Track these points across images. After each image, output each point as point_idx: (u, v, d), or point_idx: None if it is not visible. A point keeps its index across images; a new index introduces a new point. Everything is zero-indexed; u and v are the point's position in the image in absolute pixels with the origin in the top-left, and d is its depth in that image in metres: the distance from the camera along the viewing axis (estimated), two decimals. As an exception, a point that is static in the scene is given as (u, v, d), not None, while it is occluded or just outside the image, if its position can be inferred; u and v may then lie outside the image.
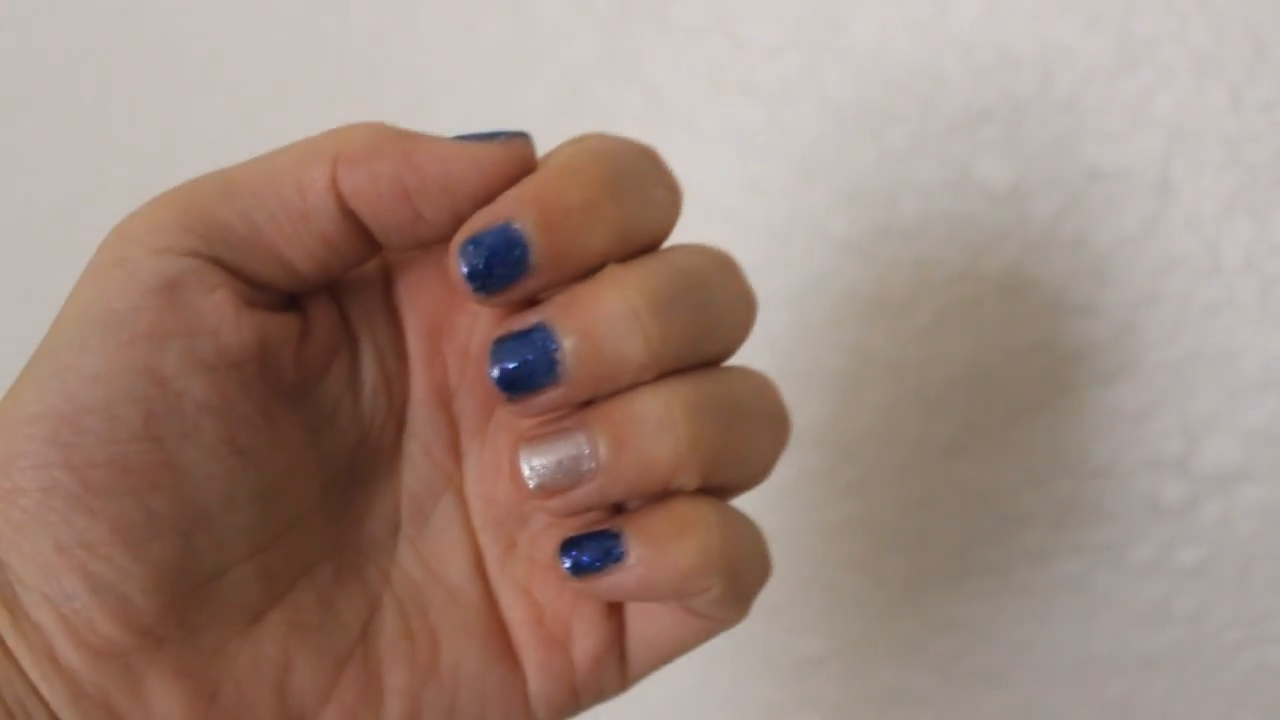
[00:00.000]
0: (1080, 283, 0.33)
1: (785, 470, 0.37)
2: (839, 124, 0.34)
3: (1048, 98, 0.32)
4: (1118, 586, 0.35)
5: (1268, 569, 0.34)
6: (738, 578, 0.20)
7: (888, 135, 0.34)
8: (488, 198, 0.20)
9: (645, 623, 0.22)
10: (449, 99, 0.38)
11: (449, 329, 0.22)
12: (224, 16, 0.41)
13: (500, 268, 0.19)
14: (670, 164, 0.21)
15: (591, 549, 0.20)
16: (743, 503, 0.22)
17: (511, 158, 0.20)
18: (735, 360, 0.22)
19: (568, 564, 0.21)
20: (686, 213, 0.22)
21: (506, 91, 0.37)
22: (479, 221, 0.19)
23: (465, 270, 0.19)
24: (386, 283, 0.22)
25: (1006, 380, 0.34)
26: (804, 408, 0.36)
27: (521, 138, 0.20)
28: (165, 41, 0.43)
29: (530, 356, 0.19)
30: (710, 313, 0.20)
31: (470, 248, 0.19)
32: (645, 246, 0.20)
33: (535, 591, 0.22)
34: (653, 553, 0.20)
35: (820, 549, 0.37)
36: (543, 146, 0.21)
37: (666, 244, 0.21)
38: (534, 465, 0.20)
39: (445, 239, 0.20)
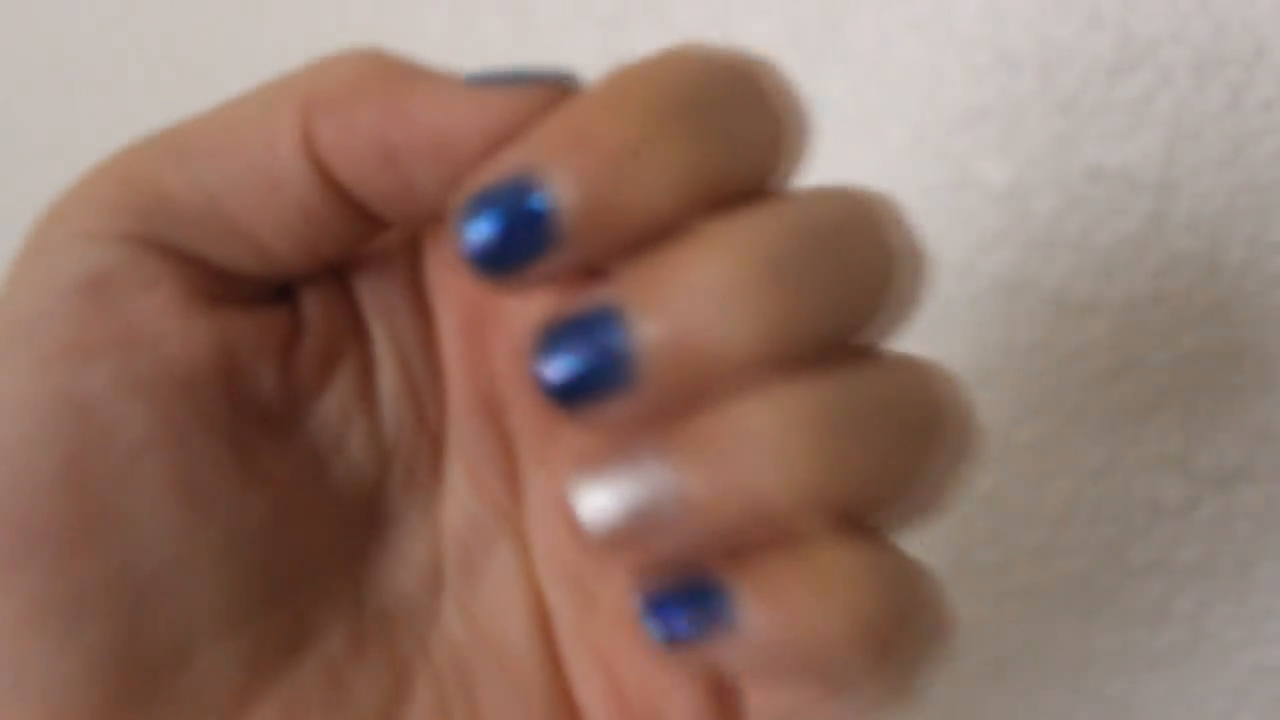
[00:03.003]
0: (1080, 282, 0.33)
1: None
2: (839, 124, 0.34)
3: (1048, 98, 0.32)
4: (1118, 586, 0.35)
5: (1268, 569, 0.34)
6: (893, 648, 0.14)
7: (888, 135, 0.34)
8: None
9: (765, 707, 0.16)
10: (449, 99, 0.38)
11: (495, 316, 0.17)
12: (223, 16, 0.41)
13: (516, 240, 0.13)
14: (790, 79, 0.15)
15: (689, 610, 0.14)
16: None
17: (536, 109, 0.14)
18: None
19: (656, 630, 0.14)
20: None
21: (506, 91, 0.37)
22: (487, 173, 0.14)
23: (468, 244, 0.14)
24: (412, 257, 0.17)
25: (1006, 380, 0.34)
26: (804, 408, 0.36)
27: (561, 80, 0.15)
28: (163, 41, 0.43)
29: (593, 353, 0.14)
30: (850, 284, 0.14)
31: (474, 210, 0.14)
32: (738, 197, 0.14)
33: (618, 663, 0.16)
34: (777, 615, 0.14)
35: (820, 549, 0.37)
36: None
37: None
38: (595, 506, 0.14)
39: (445, 217, 0.15)
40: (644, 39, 0.36)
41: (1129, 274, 0.32)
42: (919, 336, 0.34)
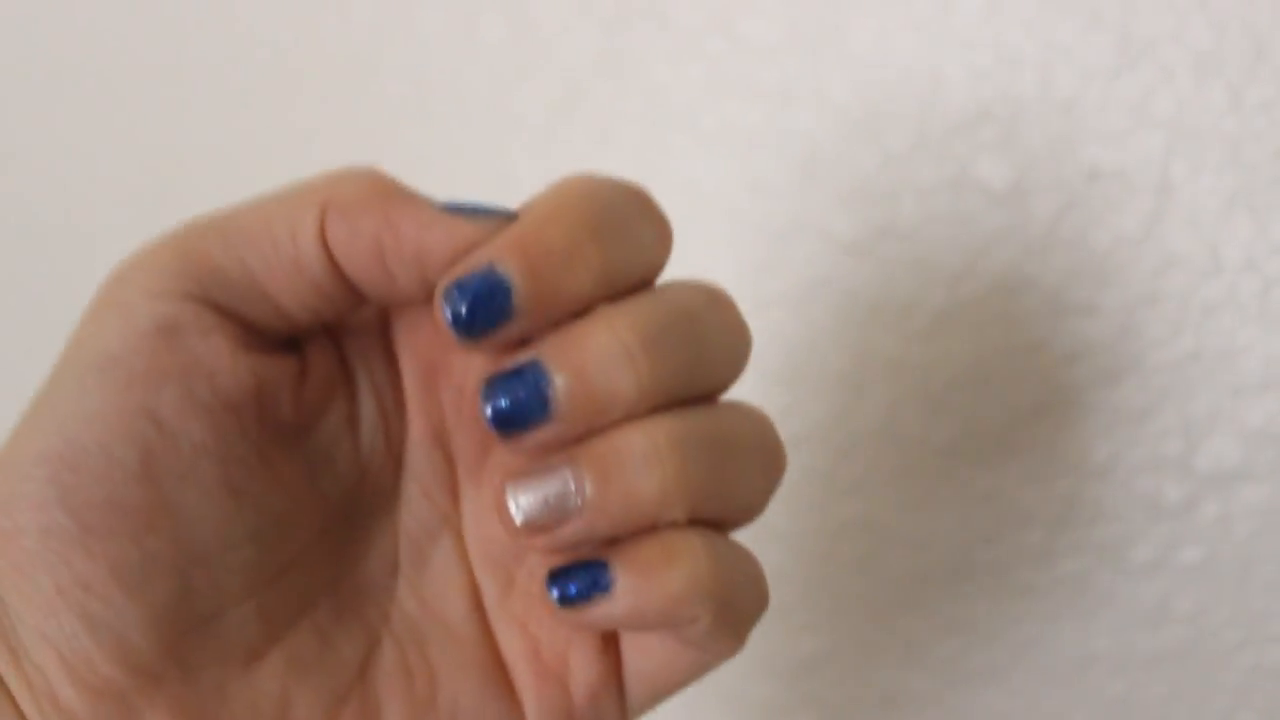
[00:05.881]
0: (1080, 282, 0.33)
1: (787, 470, 0.37)
2: (839, 124, 0.34)
3: (1048, 98, 0.32)
4: (1118, 586, 0.35)
5: (1268, 569, 0.34)
6: (728, 607, 0.20)
7: (888, 135, 0.34)
8: None
9: (641, 656, 0.22)
10: (449, 99, 0.38)
11: (445, 369, 0.22)
12: (224, 16, 0.41)
13: (484, 312, 0.19)
14: (659, 203, 0.21)
15: (579, 579, 0.20)
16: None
17: (489, 234, 0.20)
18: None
19: (555, 594, 0.20)
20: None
21: (506, 91, 0.37)
22: (463, 267, 0.19)
23: (449, 315, 0.19)
24: (383, 324, 0.23)
25: (1006, 380, 0.34)
26: (805, 408, 0.36)
27: (507, 217, 0.20)
28: (165, 41, 0.43)
29: (523, 394, 0.19)
30: (703, 348, 0.20)
31: (454, 292, 0.19)
32: (633, 286, 0.20)
33: (532, 626, 0.22)
34: (640, 581, 0.20)
35: (821, 549, 0.37)
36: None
37: (660, 281, 0.21)
38: (520, 502, 0.20)
39: (416, 302, 0.21)
40: (644, 39, 0.36)
41: (1128, 274, 0.32)
42: (918, 338, 0.34)
